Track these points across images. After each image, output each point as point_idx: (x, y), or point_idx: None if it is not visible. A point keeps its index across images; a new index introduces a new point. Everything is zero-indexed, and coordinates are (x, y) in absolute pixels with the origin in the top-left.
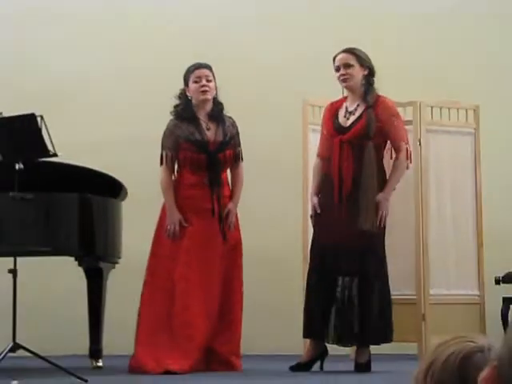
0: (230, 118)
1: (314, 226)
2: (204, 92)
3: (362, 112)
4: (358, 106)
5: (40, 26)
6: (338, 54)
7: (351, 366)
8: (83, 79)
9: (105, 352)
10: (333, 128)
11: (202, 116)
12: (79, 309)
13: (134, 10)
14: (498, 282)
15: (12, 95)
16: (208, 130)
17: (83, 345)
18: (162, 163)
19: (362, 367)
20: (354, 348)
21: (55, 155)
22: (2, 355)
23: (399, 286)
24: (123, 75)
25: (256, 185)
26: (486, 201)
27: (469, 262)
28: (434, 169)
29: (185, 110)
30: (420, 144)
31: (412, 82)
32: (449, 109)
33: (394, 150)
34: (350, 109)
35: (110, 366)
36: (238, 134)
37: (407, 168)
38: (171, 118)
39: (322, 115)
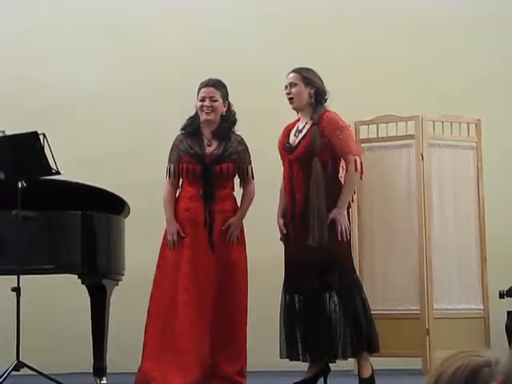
0: (238, 135)
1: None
2: (205, 112)
3: (308, 129)
4: (306, 124)
5: (39, 41)
6: (288, 73)
7: (356, 382)
8: (83, 94)
9: (109, 369)
10: (283, 148)
11: (206, 133)
12: (83, 326)
13: (134, 23)
14: (502, 295)
15: (12, 111)
16: (209, 145)
17: (87, 362)
18: (166, 176)
19: (366, 382)
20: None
21: (58, 173)
22: (6, 373)
23: (403, 301)
24: (123, 90)
25: (260, 198)
26: (489, 214)
27: (472, 276)
28: (436, 183)
29: (189, 125)
30: (422, 158)
31: (414, 97)
32: (451, 123)
33: (346, 162)
34: (300, 127)
35: (113, 383)
36: (245, 151)
37: (361, 179)
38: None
39: None
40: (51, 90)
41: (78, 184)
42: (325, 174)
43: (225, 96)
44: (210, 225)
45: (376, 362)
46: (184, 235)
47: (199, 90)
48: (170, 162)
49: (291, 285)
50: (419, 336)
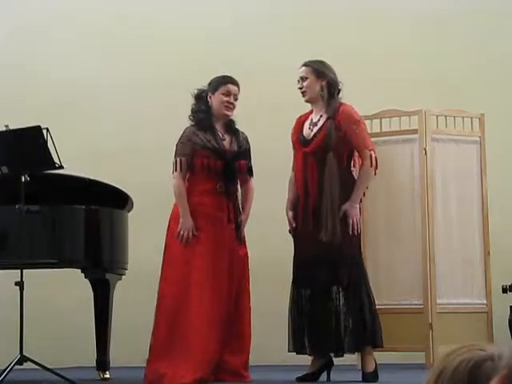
0: (243, 133)
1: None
2: (230, 109)
3: (324, 123)
4: (320, 117)
5: (39, 37)
6: (300, 67)
7: (359, 376)
8: (83, 90)
9: (112, 363)
10: (297, 141)
11: (219, 126)
12: (86, 320)
13: (135, 19)
14: (505, 290)
15: (13, 109)
16: (223, 140)
17: (90, 356)
18: (176, 169)
19: (370, 377)
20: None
21: (61, 167)
22: (9, 368)
23: (406, 296)
24: (124, 85)
25: (265, 196)
26: (492, 209)
27: (476, 270)
28: (439, 177)
29: (206, 120)
30: (426, 153)
31: (417, 91)
32: (454, 117)
33: (361, 157)
34: (314, 120)
35: (117, 377)
36: (250, 149)
37: (375, 174)
38: (190, 123)
39: None
40: (51, 86)
41: (81, 178)
42: (339, 169)
43: None
44: (236, 220)
45: (379, 357)
46: (196, 233)
47: (223, 84)
48: (181, 155)
49: (301, 279)
50: (422, 330)
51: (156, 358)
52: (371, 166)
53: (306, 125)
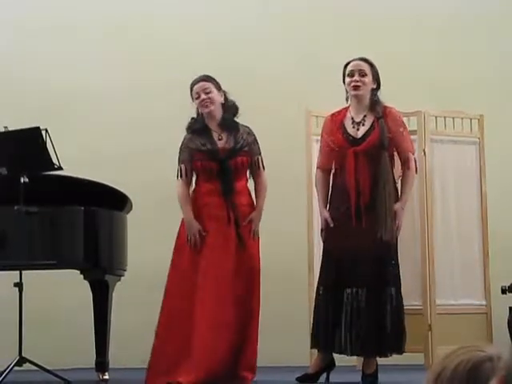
0: (246, 127)
1: (325, 240)
2: (205, 106)
3: (373, 123)
4: (365, 116)
5: (40, 39)
6: (353, 60)
7: (358, 377)
8: (83, 93)
9: (111, 365)
10: (343, 139)
11: (214, 126)
12: (85, 322)
13: (135, 23)
14: (504, 291)
15: (12, 111)
16: (220, 139)
17: (89, 358)
18: (178, 177)
19: (369, 378)
20: (361, 359)
21: (60, 168)
22: (9, 369)
23: (405, 297)
24: (123, 87)
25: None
26: (491, 210)
27: (475, 271)
28: (438, 178)
29: (195, 123)
30: (425, 154)
31: (416, 92)
32: (453, 118)
33: (403, 160)
34: (357, 119)
35: (116, 378)
36: (255, 142)
37: None
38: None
39: (322, 127)
40: (51, 89)
41: (80, 179)
42: (392, 168)
43: (218, 86)
44: (235, 220)
45: (378, 358)
46: (205, 233)
47: (191, 90)
48: (180, 162)
49: (335, 278)
50: (422, 332)
51: (151, 369)
52: (416, 169)
53: (348, 123)
